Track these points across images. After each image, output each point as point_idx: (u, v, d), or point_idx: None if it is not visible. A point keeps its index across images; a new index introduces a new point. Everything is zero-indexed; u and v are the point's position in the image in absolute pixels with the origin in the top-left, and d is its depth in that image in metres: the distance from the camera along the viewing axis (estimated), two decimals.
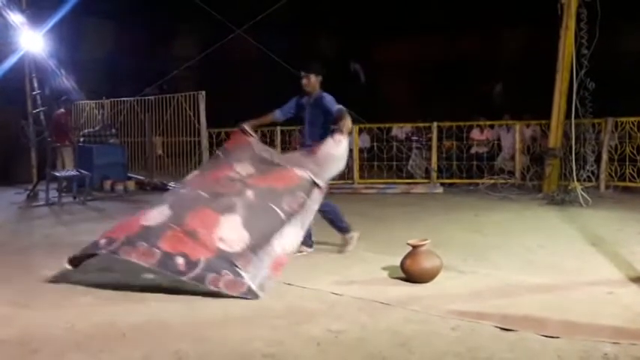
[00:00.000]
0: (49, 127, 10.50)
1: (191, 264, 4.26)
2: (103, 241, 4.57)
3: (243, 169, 4.94)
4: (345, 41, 18.50)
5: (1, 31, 10.34)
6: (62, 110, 10.97)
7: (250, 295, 4.22)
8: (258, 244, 4.43)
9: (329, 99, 5.43)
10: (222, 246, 4.36)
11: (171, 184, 11.04)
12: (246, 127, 5.42)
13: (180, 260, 4.26)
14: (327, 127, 5.43)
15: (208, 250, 4.32)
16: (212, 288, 4.22)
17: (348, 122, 5.08)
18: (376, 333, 3.64)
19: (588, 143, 9.07)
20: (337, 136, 5.02)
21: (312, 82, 5.50)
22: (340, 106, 5.31)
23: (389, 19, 16.47)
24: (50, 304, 4.32)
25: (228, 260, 4.31)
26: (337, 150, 4.99)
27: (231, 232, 4.42)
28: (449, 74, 15.96)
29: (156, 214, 4.59)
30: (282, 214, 4.60)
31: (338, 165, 5.09)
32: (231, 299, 4.33)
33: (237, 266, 4.29)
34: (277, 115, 5.75)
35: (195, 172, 5.35)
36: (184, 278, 4.26)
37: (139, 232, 4.46)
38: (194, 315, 4.06)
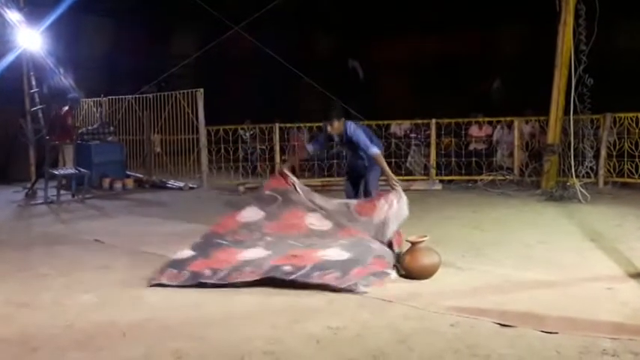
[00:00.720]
0: (50, 125, 10.47)
1: (298, 267, 4.54)
2: (207, 272, 4.65)
3: (317, 221, 5.31)
4: (343, 38, 18.47)
5: None
6: (66, 108, 10.97)
7: (356, 288, 4.32)
8: (358, 257, 4.72)
9: (353, 130, 5.90)
10: (326, 258, 4.70)
11: (176, 183, 11.04)
12: (286, 170, 5.81)
13: (287, 267, 4.56)
14: (363, 151, 5.93)
15: (314, 261, 4.64)
16: (318, 282, 4.39)
17: (389, 174, 5.65)
18: (375, 330, 3.65)
19: (587, 139, 9.06)
20: (394, 196, 5.29)
21: (336, 126, 5.90)
22: (374, 150, 5.79)
23: (387, 17, 16.44)
24: (50, 303, 4.33)
25: (334, 263, 4.60)
26: (402, 204, 5.23)
27: (333, 252, 4.81)
28: (447, 71, 15.93)
29: (252, 253, 4.87)
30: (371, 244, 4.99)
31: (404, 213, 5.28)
32: (231, 298, 4.34)
33: (344, 266, 4.55)
34: (310, 149, 6.35)
35: (259, 213, 5.43)
36: (292, 277, 4.44)
37: (242, 262, 4.72)
38: (194, 314, 4.06)
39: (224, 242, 5.03)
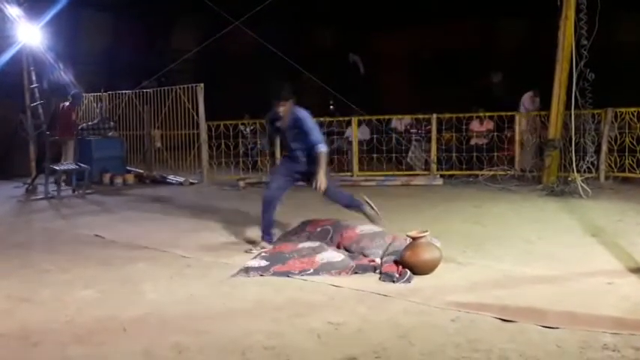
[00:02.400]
0: (51, 120, 10.45)
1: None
2: (295, 271, 4.74)
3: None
4: (343, 33, 18.44)
5: None
6: (67, 104, 10.96)
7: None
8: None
9: (304, 116, 5.56)
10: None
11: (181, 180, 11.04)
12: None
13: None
14: (304, 142, 5.53)
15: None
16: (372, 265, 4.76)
17: (323, 174, 5.35)
18: (376, 325, 3.65)
19: (588, 134, 9.04)
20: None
21: (286, 107, 5.55)
22: (322, 148, 5.41)
23: (388, 10, 16.40)
24: (50, 298, 4.33)
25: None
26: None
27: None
28: (448, 65, 15.91)
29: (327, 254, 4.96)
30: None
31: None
32: (232, 293, 4.34)
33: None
34: (266, 147, 6.06)
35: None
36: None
37: (323, 264, 4.80)
38: (194, 308, 4.06)
39: (293, 255, 5.01)
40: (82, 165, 9.83)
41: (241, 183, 10.42)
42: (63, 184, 9.80)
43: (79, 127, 11.76)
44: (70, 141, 10.69)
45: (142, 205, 8.73)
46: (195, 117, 11.05)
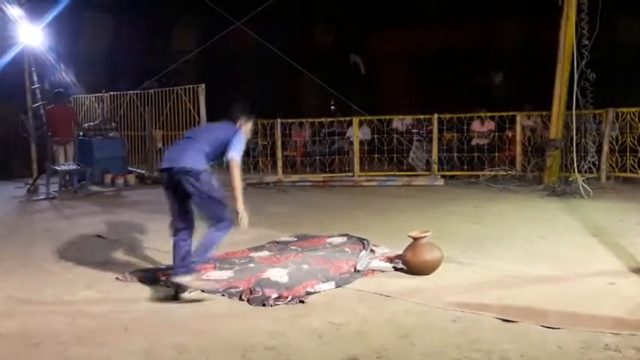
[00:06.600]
0: (52, 122, 10.44)
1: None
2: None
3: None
4: (344, 32, 18.43)
5: (0, 25, 10.29)
6: (68, 104, 10.95)
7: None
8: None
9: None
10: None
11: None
12: None
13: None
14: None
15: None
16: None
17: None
18: (377, 325, 3.65)
19: (589, 134, 9.02)
20: None
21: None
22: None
23: (388, 10, 16.38)
24: (51, 298, 4.33)
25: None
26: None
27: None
28: (449, 65, 15.88)
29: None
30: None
31: None
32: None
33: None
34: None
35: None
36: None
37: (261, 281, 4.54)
38: (195, 309, 4.06)
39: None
40: (83, 165, 9.83)
41: (242, 183, 10.40)
42: (64, 184, 9.80)
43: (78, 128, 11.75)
44: (70, 142, 10.68)
45: (143, 206, 8.72)
46: (197, 117, 11.05)
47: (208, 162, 4.37)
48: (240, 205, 4.33)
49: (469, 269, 4.79)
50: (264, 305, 4.04)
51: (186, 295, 4.23)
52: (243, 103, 5.00)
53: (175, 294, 4.24)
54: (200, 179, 4.19)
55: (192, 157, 4.25)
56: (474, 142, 11.27)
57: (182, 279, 4.17)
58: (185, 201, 4.34)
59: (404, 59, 17.04)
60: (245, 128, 4.60)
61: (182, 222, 4.34)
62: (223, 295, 4.26)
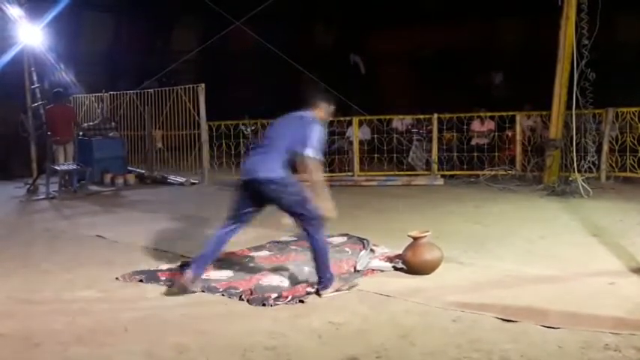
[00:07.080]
0: (52, 122, 10.43)
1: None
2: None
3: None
4: (344, 32, 18.43)
5: (0, 25, 10.29)
6: (68, 104, 10.93)
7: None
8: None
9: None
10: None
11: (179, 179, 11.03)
12: None
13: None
14: None
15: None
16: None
17: None
18: (377, 325, 3.65)
19: (589, 134, 9.02)
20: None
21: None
22: None
23: (388, 10, 16.39)
24: (52, 298, 4.33)
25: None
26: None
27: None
28: (449, 65, 15.88)
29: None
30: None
31: None
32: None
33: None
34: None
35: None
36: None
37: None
38: (195, 309, 4.06)
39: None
40: (83, 165, 9.83)
41: None
42: (64, 184, 9.80)
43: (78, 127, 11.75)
44: (70, 142, 10.67)
45: (142, 206, 8.73)
46: (197, 117, 11.05)
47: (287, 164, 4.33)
48: (322, 199, 4.30)
49: (469, 269, 4.79)
50: (264, 305, 4.05)
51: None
52: (317, 87, 4.82)
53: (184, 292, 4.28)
54: (286, 184, 4.22)
55: (274, 166, 4.24)
56: (473, 142, 11.28)
57: (328, 291, 4.21)
58: (262, 204, 4.39)
59: (404, 59, 17.05)
60: (321, 115, 4.52)
61: (242, 217, 4.41)
62: (223, 295, 4.28)
